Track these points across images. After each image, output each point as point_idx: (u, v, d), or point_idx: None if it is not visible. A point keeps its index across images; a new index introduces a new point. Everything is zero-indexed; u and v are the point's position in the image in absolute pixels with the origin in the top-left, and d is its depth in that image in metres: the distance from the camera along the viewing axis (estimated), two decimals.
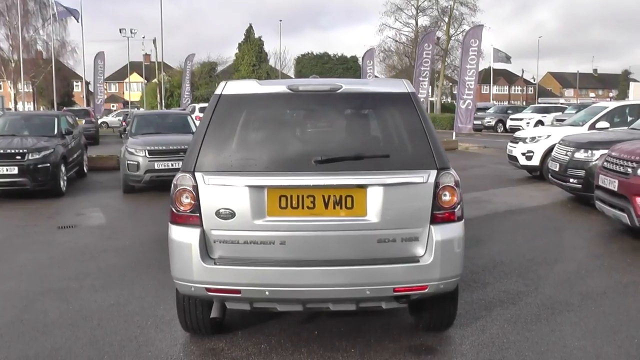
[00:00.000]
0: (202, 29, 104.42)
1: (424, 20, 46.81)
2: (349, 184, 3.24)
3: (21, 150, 9.90)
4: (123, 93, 69.78)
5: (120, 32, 41.62)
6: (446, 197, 3.35)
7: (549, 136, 11.12)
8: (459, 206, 3.41)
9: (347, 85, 3.47)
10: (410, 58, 47.30)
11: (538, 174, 11.50)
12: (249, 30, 50.55)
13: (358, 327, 4.15)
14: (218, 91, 3.51)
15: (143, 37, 40.64)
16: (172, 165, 10.62)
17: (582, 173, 8.29)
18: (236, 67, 49.86)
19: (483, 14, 78.92)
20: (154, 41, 40.32)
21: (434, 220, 3.32)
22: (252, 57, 48.02)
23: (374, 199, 3.26)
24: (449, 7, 44.97)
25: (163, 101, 36.36)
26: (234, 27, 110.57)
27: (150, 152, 10.50)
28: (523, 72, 77.14)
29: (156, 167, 10.51)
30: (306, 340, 3.93)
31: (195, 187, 3.28)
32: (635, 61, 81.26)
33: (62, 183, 10.53)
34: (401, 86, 3.56)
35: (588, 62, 71.49)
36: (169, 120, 12.55)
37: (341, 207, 3.24)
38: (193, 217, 3.28)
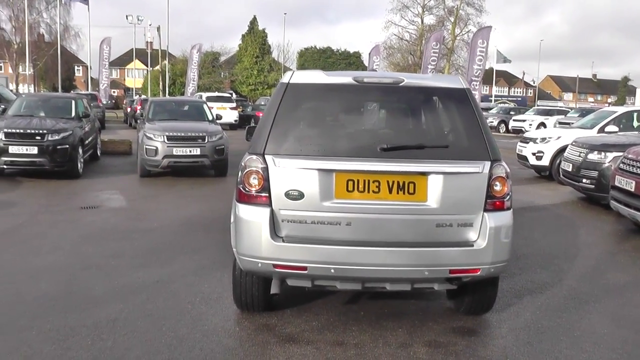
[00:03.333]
0: (206, 19, 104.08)
1: (429, 19, 47.12)
2: (412, 171, 3.44)
3: (41, 131, 9.99)
4: (124, 79, 69.50)
5: (126, 18, 41.55)
6: (498, 187, 3.56)
7: (559, 137, 11.36)
8: (508, 196, 3.62)
9: (409, 79, 3.66)
10: (414, 56, 47.52)
11: (547, 174, 11.74)
12: (253, 22, 50.54)
13: (400, 309, 4.35)
14: (285, 80, 3.68)
15: (149, 25, 40.57)
16: (189, 151, 10.80)
17: (594, 174, 8.52)
18: (239, 58, 49.91)
19: (489, 15, 79.43)
20: (158, 29, 40.30)
21: (487, 208, 3.54)
22: (256, 49, 48.05)
23: (434, 186, 3.47)
24: (455, 7, 45.27)
25: (167, 89, 36.35)
26: (238, 18, 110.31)
27: (169, 138, 10.63)
28: (524, 74, 77.71)
29: (174, 153, 10.65)
30: (354, 319, 4.12)
31: (265, 169, 3.45)
32: (634, 68, 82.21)
33: (79, 165, 10.65)
34: (458, 82, 3.76)
35: (588, 67, 72.45)
36: (185, 107, 12.68)
37: (404, 193, 3.45)
38: (262, 196, 3.46)
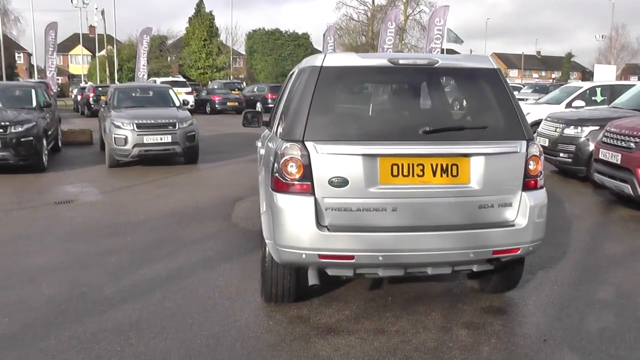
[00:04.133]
0: (150, 1, 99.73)
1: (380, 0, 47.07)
2: (455, 153, 3.39)
3: (3, 123, 9.36)
4: (68, 66, 66.05)
5: (71, 1, 39.17)
6: (532, 165, 3.56)
7: (528, 113, 11.61)
8: (542, 174, 3.64)
9: (443, 60, 3.58)
10: (366, 37, 47.51)
11: None
12: (200, 4, 49.08)
13: (425, 292, 4.33)
14: (317, 63, 3.51)
15: (96, 8, 38.30)
16: (160, 139, 10.44)
17: (572, 148, 8.77)
18: (187, 42, 48.45)
19: None
20: (102, 12, 38.33)
21: (525, 187, 3.54)
22: (203, 32, 46.79)
23: (476, 167, 3.43)
24: None
25: (116, 75, 34.83)
26: (183, 1, 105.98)
27: (139, 126, 10.22)
28: (471, 52, 79.20)
29: (145, 141, 10.25)
30: (384, 305, 4.07)
31: (307, 156, 3.31)
32: (577, 44, 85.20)
33: (44, 158, 10.08)
34: (488, 62, 3.72)
35: (532, 45, 74.40)
36: (151, 94, 12.19)
37: (447, 175, 3.39)
38: (304, 185, 3.32)
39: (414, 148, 3.33)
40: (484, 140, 3.45)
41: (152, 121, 10.38)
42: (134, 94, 11.93)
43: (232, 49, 52.94)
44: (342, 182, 3.29)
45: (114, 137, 10.07)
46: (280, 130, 3.90)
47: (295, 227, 3.31)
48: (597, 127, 8.28)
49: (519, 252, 3.53)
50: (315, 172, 3.30)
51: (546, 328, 3.77)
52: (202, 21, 47.51)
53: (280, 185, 3.39)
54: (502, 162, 3.47)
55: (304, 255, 3.34)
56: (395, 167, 3.33)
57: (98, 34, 44.21)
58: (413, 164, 3.34)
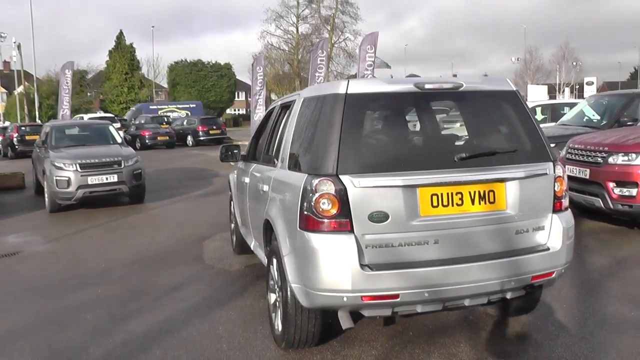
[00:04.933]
0: (68, 35, 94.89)
1: (305, 28, 47.62)
2: (492, 179, 3.27)
3: None
4: None
5: None
6: (559, 187, 3.51)
7: None
8: (567, 195, 3.60)
9: (467, 83, 3.48)
10: (292, 65, 47.81)
11: None
12: (120, 37, 47.57)
13: (443, 323, 4.16)
14: (340, 90, 3.28)
15: (14, 42, 35.40)
16: (106, 179, 9.80)
17: None
18: (107, 76, 46.63)
19: (364, 22, 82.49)
20: (19, 47, 35.82)
21: (554, 209, 3.47)
22: (124, 65, 45.25)
23: (511, 192, 3.33)
24: (332, 15, 46.20)
25: (37, 113, 32.58)
26: (103, 33, 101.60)
27: (82, 166, 9.55)
28: (392, 77, 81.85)
29: (90, 182, 9.57)
30: (408, 341, 3.85)
31: (343, 191, 3.06)
32: (490, 67, 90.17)
33: None
34: (507, 84, 3.66)
35: (448, 68, 78.25)
36: (90, 131, 11.42)
37: (485, 202, 3.26)
38: (343, 222, 3.06)
39: (453, 176, 3.19)
40: (515, 164, 3.37)
41: (96, 160, 9.74)
42: (72, 132, 11.16)
43: (155, 82, 51.59)
44: (383, 217, 3.08)
45: (56, 180, 9.31)
46: (290, 163, 3.64)
47: (335, 269, 3.04)
48: (553, 144, 8.57)
49: (553, 275, 3.45)
50: (354, 208, 3.06)
51: (577, 349, 3.69)
52: (123, 54, 46.01)
53: (313, 224, 3.11)
54: (534, 186, 3.39)
55: (345, 299, 3.07)
56: (435, 197, 3.16)
57: (16, 70, 41.37)
58: (452, 193, 3.19)
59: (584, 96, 37.02)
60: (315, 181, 3.11)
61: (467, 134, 3.62)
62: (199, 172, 16.70)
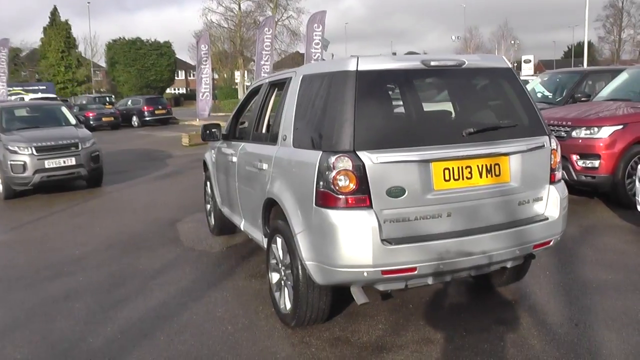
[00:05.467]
0: None
1: (247, 5, 46.53)
2: (498, 152, 3.39)
3: None
4: None
5: None
6: (553, 159, 3.68)
7: None
8: (560, 167, 3.78)
9: (469, 61, 3.56)
10: (235, 43, 46.82)
11: None
12: (54, 13, 44.95)
13: (437, 296, 4.31)
14: (349, 67, 3.29)
15: None
16: (64, 162, 9.43)
17: None
18: (43, 54, 44.08)
19: (307, 1, 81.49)
20: None
21: (551, 180, 3.64)
22: (60, 43, 42.86)
23: (515, 165, 3.46)
24: None
25: None
26: (35, 8, 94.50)
27: (38, 149, 9.13)
28: (333, 56, 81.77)
29: (47, 166, 9.17)
30: (412, 314, 3.96)
31: (361, 167, 3.08)
32: (429, 45, 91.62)
33: None
34: (503, 62, 3.78)
35: (388, 46, 78.81)
36: (42, 112, 10.83)
37: (492, 175, 3.37)
38: (362, 198, 3.09)
39: (463, 150, 3.28)
40: (515, 137, 3.49)
41: (53, 143, 9.32)
42: (23, 114, 10.55)
43: (92, 61, 49.34)
44: (400, 192, 3.14)
45: (10, 165, 8.86)
46: (296, 141, 3.63)
47: (357, 244, 3.08)
48: None
49: (551, 243, 3.63)
50: (372, 183, 3.10)
51: (568, 312, 3.90)
52: (59, 31, 43.57)
53: (331, 200, 3.13)
54: (534, 158, 3.54)
55: (365, 274, 3.12)
56: (447, 172, 3.25)
57: None
58: (462, 167, 3.29)
59: (522, 73, 38.40)
60: (333, 158, 3.12)
61: (465, 110, 3.71)
62: (152, 153, 16.28)
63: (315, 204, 3.22)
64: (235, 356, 3.46)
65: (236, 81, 47.38)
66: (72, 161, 9.44)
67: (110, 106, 28.68)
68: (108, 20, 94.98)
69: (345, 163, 3.09)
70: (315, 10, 24.45)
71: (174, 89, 67.08)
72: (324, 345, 3.54)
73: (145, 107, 28.36)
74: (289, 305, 3.72)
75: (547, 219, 3.58)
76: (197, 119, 28.49)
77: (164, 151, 16.66)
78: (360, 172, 3.09)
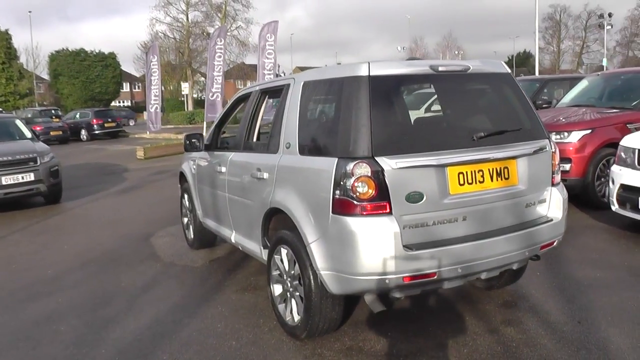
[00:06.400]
0: None
1: (195, 16, 45.89)
2: (506, 156, 3.43)
3: None
4: None
5: None
6: (553, 162, 3.77)
7: None
8: (559, 169, 3.88)
9: (473, 66, 3.60)
10: (183, 54, 46.08)
11: None
12: None
13: (437, 300, 4.32)
14: (361, 72, 3.25)
15: None
16: (22, 178, 8.98)
17: None
18: None
19: (256, 11, 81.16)
20: None
21: (552, 182, 3.72)
22: (0, 54, 40.85)
23: (522, 168, 3.52)
24: (223, 2, 44.82)
25: None
26: None
27: None
28: (279, 67, 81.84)
29: (4, 182, 8.69)
30: (416, 321, 3.95)
31: (380, 173, 3.04)
32: (372, 54, 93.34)
33: None
34: (503, 67, 3.85)
35: (333, 57, 79.62)
36: None
37: (501, 178, 3.41)
38: (382, 204, 3.04)
39: (476, 154, 3.31)
40: (519, 141, 3.55)
41: (10, 158, 8.86)
42: None
43: (35, 73, 47.31)
44: (419, 197, 3.12)
45: None
46: (303, 149, 3.56)
47: (379, 252, 3.03)
48: None
49: (555, 243, 3.71)
50: (392, 189, 3.07)
51: (569, 311, 3.99)
52: None
53: (350, 207, 3.07)
54: (537, 161, 3.61)
55: (387, 281, 3.07)
56: (461, 176, 3.27)
57: None
58: (475, 171, 3.31)
59: None
60: (351, 164, 3.07)
61: (471, 114, 3.75)
62: (107, 168, 15.77)
63: (332, 212, 3.16)
64: None
65: (183, 93, 46.55)
66: (30, 177, 9.00)
67: (58, 120, 27.57)
68: (50, 30, 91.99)
69: (364, 169, 3.05)
70: (263, 21, 24.34)
71: (120, 102, 65.35)
72: (338, 356, 3.46)
73: (95, 120, 27.47)
74: (297, 317, 3.63)
75: (552, 220, 3.65)
76: (147, 132, 27.89)
77: (119, 165, 16.17)
78: (379, 178, 3.06)
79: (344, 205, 3.11)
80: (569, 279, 4.66)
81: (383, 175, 3.06)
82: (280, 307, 3.85)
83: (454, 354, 3.42)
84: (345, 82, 3.32)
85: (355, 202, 3.07)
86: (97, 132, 27.48)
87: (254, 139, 4.51)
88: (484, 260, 3.29)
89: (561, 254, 5.29)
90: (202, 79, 51.28)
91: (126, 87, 70.92)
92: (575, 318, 3.87)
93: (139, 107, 61.97)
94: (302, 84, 3.80)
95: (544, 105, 9.26)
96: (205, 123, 22.19)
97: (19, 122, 10.51)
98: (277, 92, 4.22)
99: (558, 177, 3.83)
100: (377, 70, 3.28)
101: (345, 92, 3.28)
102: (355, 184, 3.05)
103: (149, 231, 7.31)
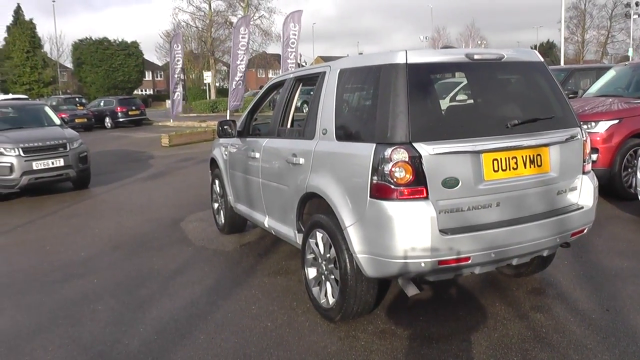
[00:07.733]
0: None
1: (218, 5, 45.91)
2: (540, 143, 3.47)
3: None
4: None
5: None
6: (585, 150, 3.79)
7: None
8: (590, 158, 3.90)
9: (507, 54, 3.64)
10: (205, 43, 46.26)
11: None
12: (18, 12, 43.52)
13: (462, 284, 4.38)
14: (398, 60, 3.31)
15: None
16: (52, 163, 9.20)
17: None
18: (7, 54, 42.60)
19: (278, 1, 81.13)
20: None
21: (583, 170, 3.75)
22: (25, 43, 41.45)
23: (554, 155, 3.56)
24: None
25: None
26: None
27: (26, 150, 8.87)
28: (301, 56, 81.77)
29: (35, 168, 8.91)
30: (441, 305, 4.03)
31: (418, 158, 3.11)
32: (394, 44, 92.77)
33: None
34: (537, 56, 3.88)
35: (354, 46, 79.19)
36: (25, 113, 10.50)
37: (534, 166, 3.46)
38: (419, 189, 3.12)
39: (510, 141, 3.35)
40: (552, 129, 3.59)
41: (40, 144, 9.07)
42: (5, 114, 10.22)
43: (58, 62, 47.91)
44: (455, 182, 3.19)
45: None
46: (340, 135, 3.64)
47: (416, 235, 3.11)
48: None
49: (585, 231, 3.74)
50: (429, 174, 3.14)
51: (596, 299, 4.02)
52: (23, 30, 42.18)
53: (388, 192, 3.14)
54: (569, 149, 3.65)
55: (423, 264, 3.14)
56: (495, 162, 3.32)
57: None
58: (509, 158, 3.36)
59: None
60: (389, 150, 3.14)
61: (506, 101, 3.79)
62: (132, 155, 16.01)
63: (370, 196, 3.23)
64: (285, 351, 3.45)
65: (205, 82, 46.80)
66: (60, 162, 9.21)
67: (82, 107, 27.96)
68: (74, 19, 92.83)
69: (402, 155, 3.12)
70: (286, 10, 24.23)
71: (142, 90, 65.92)
72: (372, 339, 3.55)
73: (119, 108, 27.82)
74: (331, 300, 3.72)
75: (582, 207, 3.68)
76: (171, 120, 28.20)
77: (145, 152, 16.40)
78: (417, 164, 3.12)
79: (381, 190, 3.18)
80: (596, 267, 4.68)
81: (420, 160, 3.13)
82: (315, 290, 3.95)
83: (485, 338, 3.48)
84: (383, 70, 3.38)
85: (392, 187, 3.14)
86: (121, 119, 27.83)
87: (288, 126, 4.59)
88: (517, 245, 3.34)
89: (588, 244, 5.30)
90: (224, 68, 51.47)
91: (148, 76, 71.46)
92: (603, 306, 3.90)
93: (161, 96, 62.48)
94: (338, 71, 3.87)
95: (570, 95, 9.15)
96: (228, 111, 22.36)
97: (48, 109, 10.73)
98: (312, 80, 4.29)
99: (589, 166, 3.85)
100: (414, 58, 3.33)
101: (383, 80, 3.35)
102: (393, 169, 3.12)
103: (178, 216, 7.46)
